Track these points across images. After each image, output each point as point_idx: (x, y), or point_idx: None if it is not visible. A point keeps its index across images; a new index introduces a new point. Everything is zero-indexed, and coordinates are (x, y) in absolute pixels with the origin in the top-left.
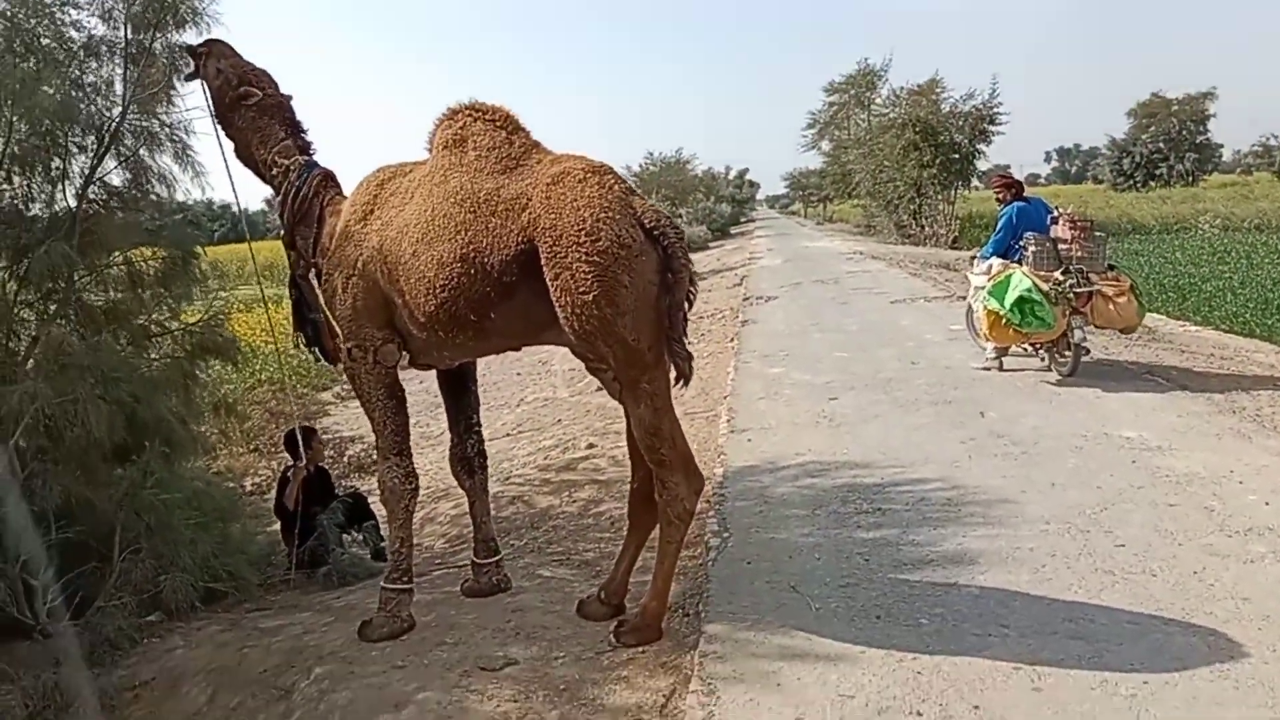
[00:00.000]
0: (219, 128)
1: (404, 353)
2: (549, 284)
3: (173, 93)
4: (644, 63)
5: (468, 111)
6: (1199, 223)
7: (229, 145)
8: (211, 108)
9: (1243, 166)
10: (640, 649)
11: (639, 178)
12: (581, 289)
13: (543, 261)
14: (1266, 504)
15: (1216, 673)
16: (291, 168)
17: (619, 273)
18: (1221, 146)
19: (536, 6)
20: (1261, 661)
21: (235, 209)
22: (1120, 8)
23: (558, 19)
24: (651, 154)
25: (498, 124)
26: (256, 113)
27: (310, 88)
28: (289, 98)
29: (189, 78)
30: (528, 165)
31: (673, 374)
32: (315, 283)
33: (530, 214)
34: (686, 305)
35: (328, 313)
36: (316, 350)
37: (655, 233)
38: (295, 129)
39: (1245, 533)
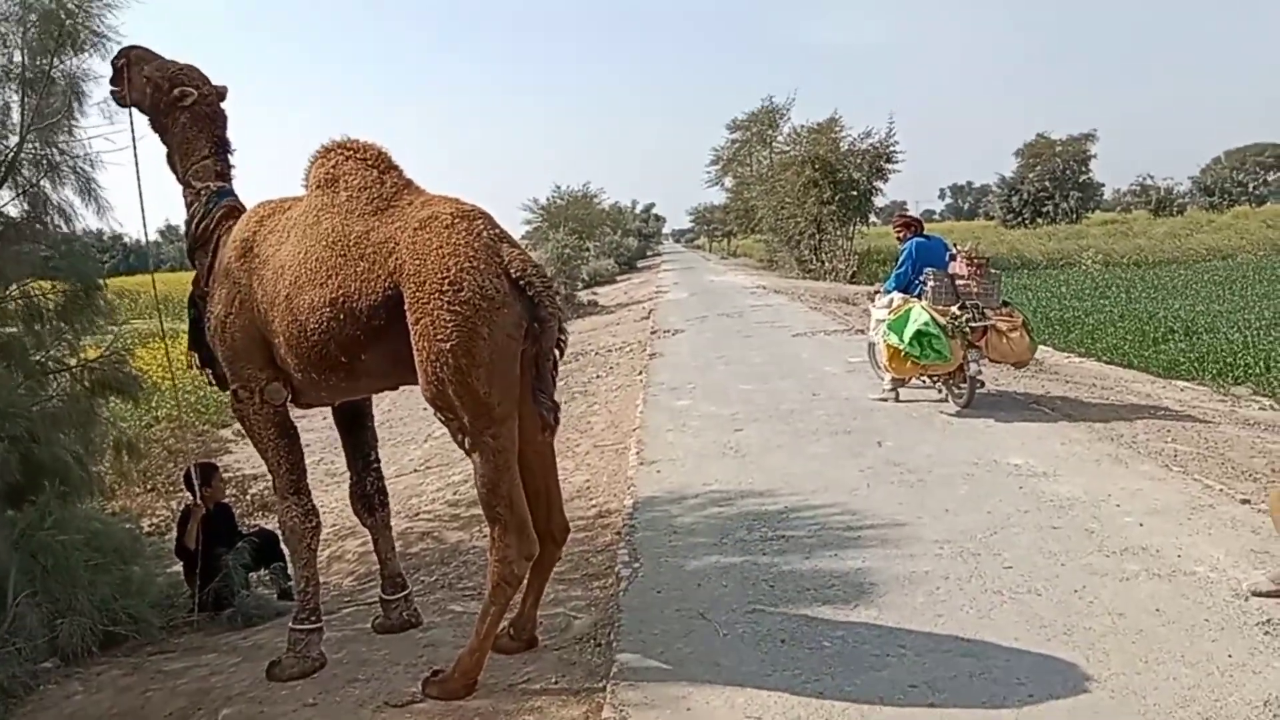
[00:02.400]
0: (138, 147)
1: (288, 392)
2: (410, 328)
3: (74, 122)
4: (548, 92)
5: (340, 150)
6: (1082, 258)
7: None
8: (134, 126)
9: (1122, 205)
10: (552, 680)
11: (546, 211)
12: (440, 336)
13: (405, 306)
14: (1141, 525)
15: (1095, 684)
16: (203, 192)
17: (478, 324)
18: (1103, 185)
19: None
20: (1134, 673)
21: (132, 238)
22: (1008, 52)
23: (449, 43)
24: (559, 187)
25: (369, 163)
26: (189, 119)
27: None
28: (223, 93)
29: (116, 98)
30: (398, 207)
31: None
32: None
33: (397, 259)
34: (556, 354)
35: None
36: (210, 374)
37: (522, 282)
38: (220, 147)
39: (1121, 552)
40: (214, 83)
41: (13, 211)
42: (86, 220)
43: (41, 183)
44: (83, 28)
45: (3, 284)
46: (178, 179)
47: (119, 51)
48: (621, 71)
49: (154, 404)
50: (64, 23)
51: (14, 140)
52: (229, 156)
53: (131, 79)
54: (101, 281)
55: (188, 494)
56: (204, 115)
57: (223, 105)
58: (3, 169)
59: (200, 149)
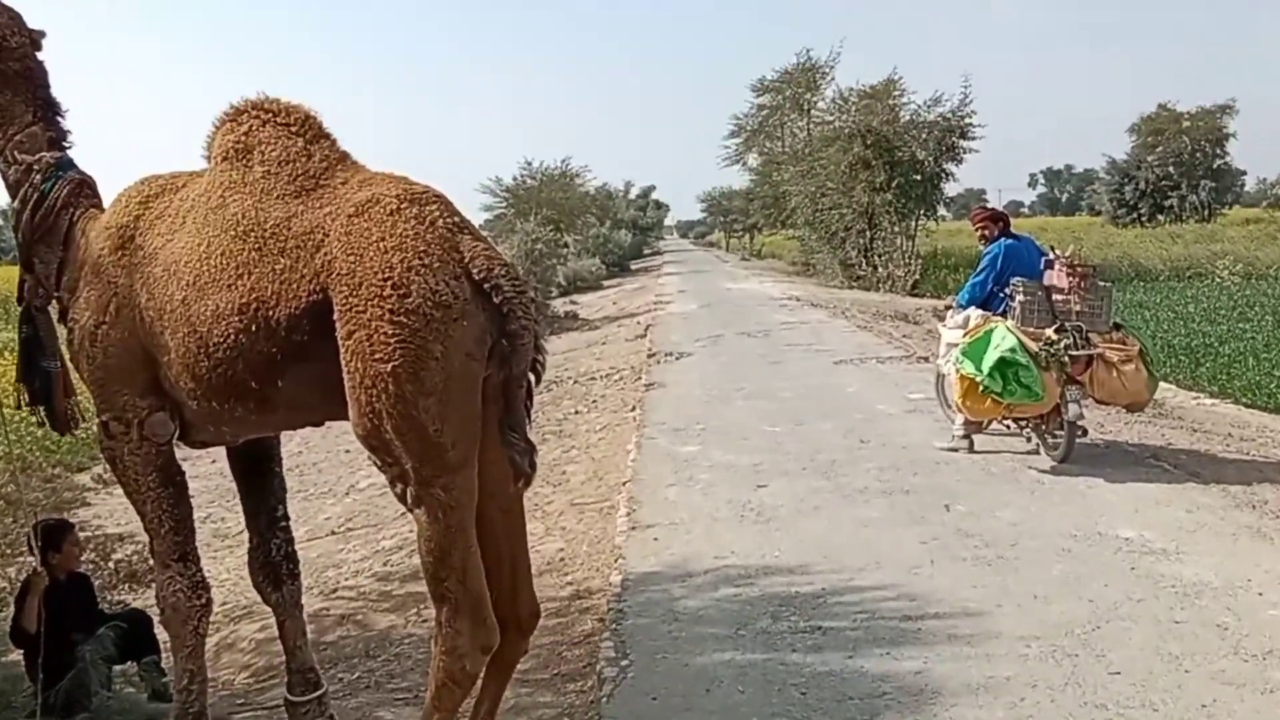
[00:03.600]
0: None
1: (175, 425)
2: (340, 343)
3: None
4: (521, 49)
5: (254, 112)
6: (1216, 268)
7: None
8: None
9: (1270, 199)
10: None
11: (512, 194)
12: (379, 355)
13: (335, 315)
14: None
15: None
16: (36, 166)
17: (429, 340)
18: (1244, 174)
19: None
20: None
21: None
22: (1122, 4)
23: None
24: (530, 163)
25: (293, 129)
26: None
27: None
28: (39, 39)
29: None
30: (329, 187)
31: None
32: (54, 318)
33: (326, 254)
34: (531, 379)
35: (72, 368)
36: (43, 411)
37: (487, 285)
38: (46, 109)
39: (1264, 656)
40: (28, 27)
41: None
42: None
43: None
44: None
45: None
46: None
47: None
48: (618, 25)
49: None
50: None
51: None
52: (60, 120)
53: None
54: None
55: (31, 559)
56: (14, 73)
57: (39, 56)
58: None
59: (19, 113)
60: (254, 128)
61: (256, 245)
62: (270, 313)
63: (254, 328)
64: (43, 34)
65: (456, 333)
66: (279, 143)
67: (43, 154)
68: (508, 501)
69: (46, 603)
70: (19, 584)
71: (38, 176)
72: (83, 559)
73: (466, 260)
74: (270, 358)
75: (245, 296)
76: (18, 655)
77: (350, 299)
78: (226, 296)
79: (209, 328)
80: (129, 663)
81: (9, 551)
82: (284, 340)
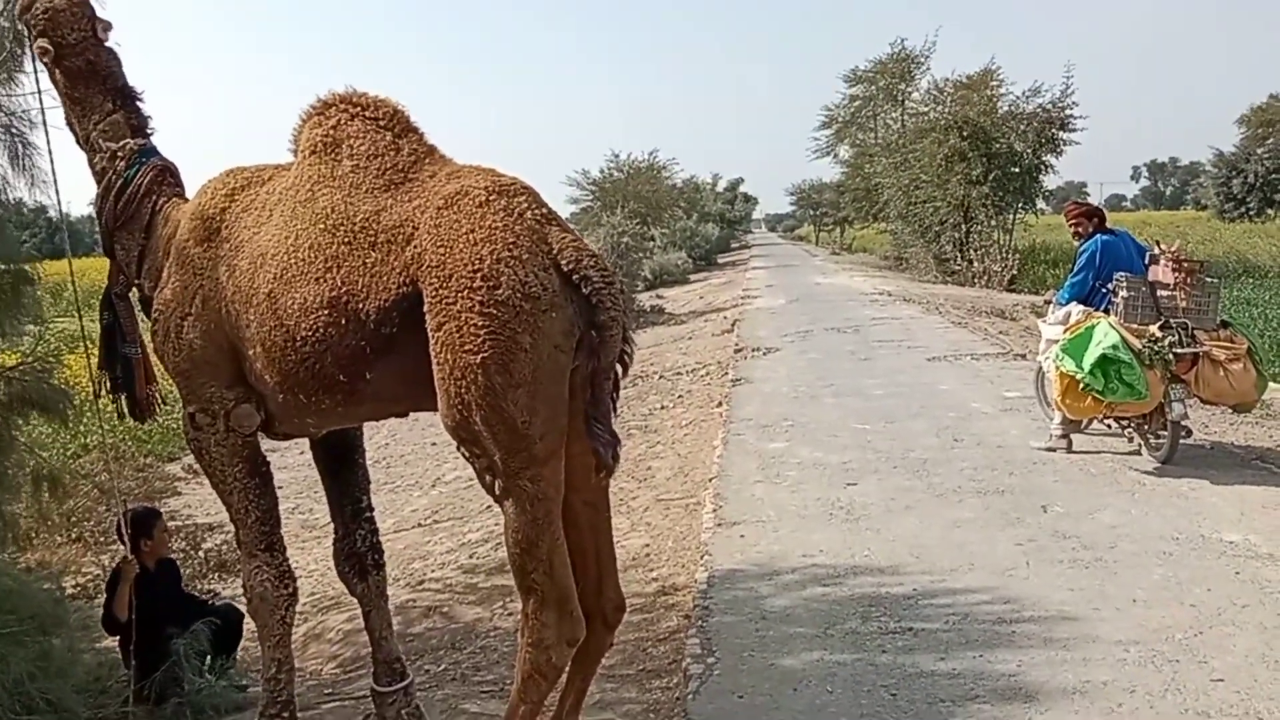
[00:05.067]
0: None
1: (261, 416)
2: (430, 335)
3: (17, 68)
4: (613, 41)
5: (343, 106)
6: None
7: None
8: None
9: None
10: None
11: (599, 187)
12: (468, 347)
13: (425, 307)
14: None
15: None
16: (120, 153)
17: (519, 332)
18: None
19: None
20: None
21: (55, 212)
22: None
23: None
24: (616, 156)
25: (381, 123)
26: (66, 73)
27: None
28: (105, 30)
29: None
30: (417, 181)
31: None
32: (136, 305)
33: (415, 247)
34: (619, 371)
35: (155, 357)
36: (123, 398)
37: (576, 276)
38: (124, 97)
39: None
40: (94, 17)
41: None
42: (19, 190)
43: None
44: None
45: None
46: (79, 143)
47: None
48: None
49: (82, 428)
50: None
51: None
52: (140, 106)
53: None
54: (36, 267)
55: (121, 547)
56: (79, 68)
57: (108, 45)
58: None
59: (99, 103)
60: (342, 121)
61: (346, 239)
62: (360, 306)
63: (343, 320)
64: (109, 25)
65: (545, 324)
66: (367, 137)
67: (126, 140)
68: (592, 494)
69: (137, 591)
70: (110, 572)
71: (121, 163)
72: (173, 548)
73: (555, 252)
74: (358, 351)
75: (335, 290)
76: (111, 641)
77: (440, 291)
78: (315, 289)
79: (296, 320)
80: (222, 657)
81: (103, 539)
82: (373, 333)
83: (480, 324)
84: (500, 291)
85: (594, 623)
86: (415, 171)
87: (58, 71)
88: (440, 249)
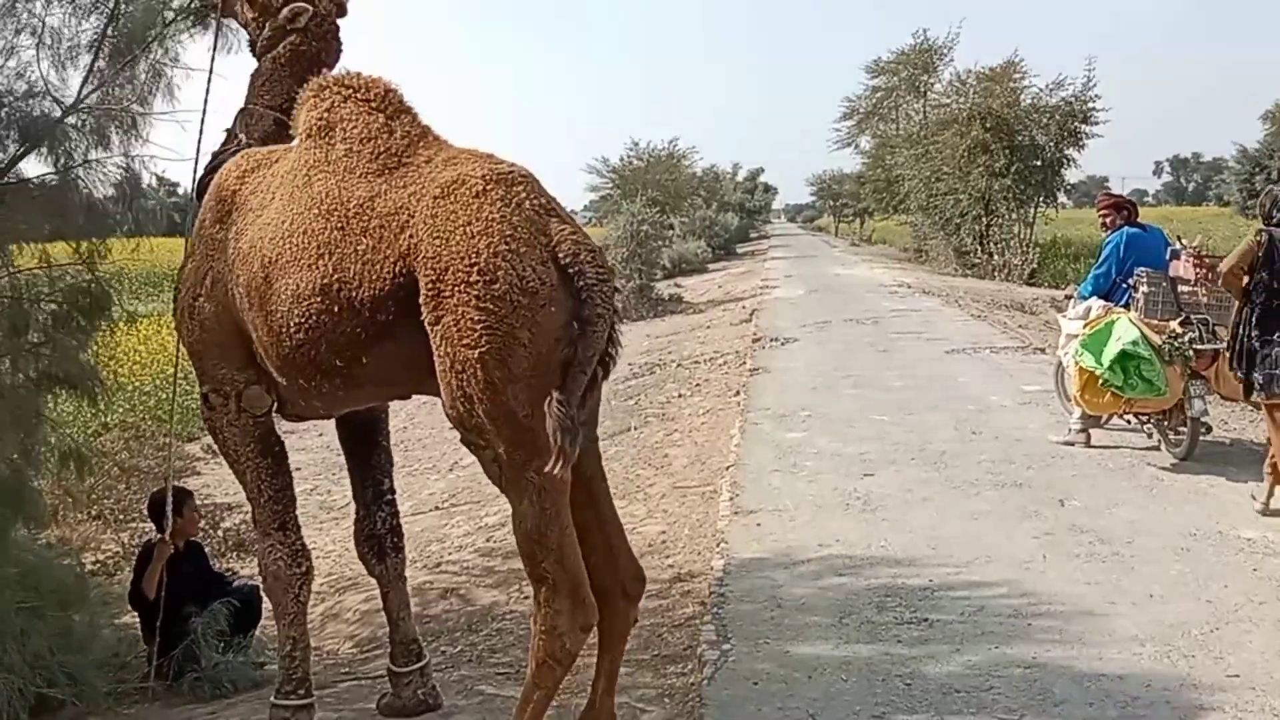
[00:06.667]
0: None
1: (272, 398)
2: (428, 327)
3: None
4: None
5: (336, 88)
6: None
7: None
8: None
9: None
10: None
11: (618, 175)
12: (466, 341)
13: (421, 299)
14: None
15: None
16: (235, 131)
17: (517, 326)
18: None
19: None
20: None
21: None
22: None
23: None
24: (636, 144)
25: (374, 105)
26: (291, 52)
27: None
28: (343, 7)
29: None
30: (412, 165)
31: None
32: None
33: (410, 236)
34: (600, 370)
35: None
36: None
37: (571, 270)
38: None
39: None
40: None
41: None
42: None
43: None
44: None
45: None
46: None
47: None
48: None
49: (101, 407)
50: None
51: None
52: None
53: None
54: (105, 243)
55: (151, 526)
56: (307, 52)
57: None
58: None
59: (283, 92)
60: (335, 104)
61: (339, 225)
62: (353, 293)
63: (336, 308)
64: (345, 3)
65: (544, 319)
66: (360, 119)
67: (250, 138)
68: (585, 468)
69: (166, 570)
70: (134, 549)
71: (226, 143)
72: (200, 527)
73: (554, 244)
74: (354, 337)
75: (328, 277)
76: (130, 617)
77: (436, 284)
78: (309, 276)
79: (290, 306)
80: (239, 637)
81: (123, 516)
82: (368, 320)
83: (477, 318)
84: (498, 286)
85: (614, 596)
86: (410, 155)
87: (285, 45)
88: (436, 240)
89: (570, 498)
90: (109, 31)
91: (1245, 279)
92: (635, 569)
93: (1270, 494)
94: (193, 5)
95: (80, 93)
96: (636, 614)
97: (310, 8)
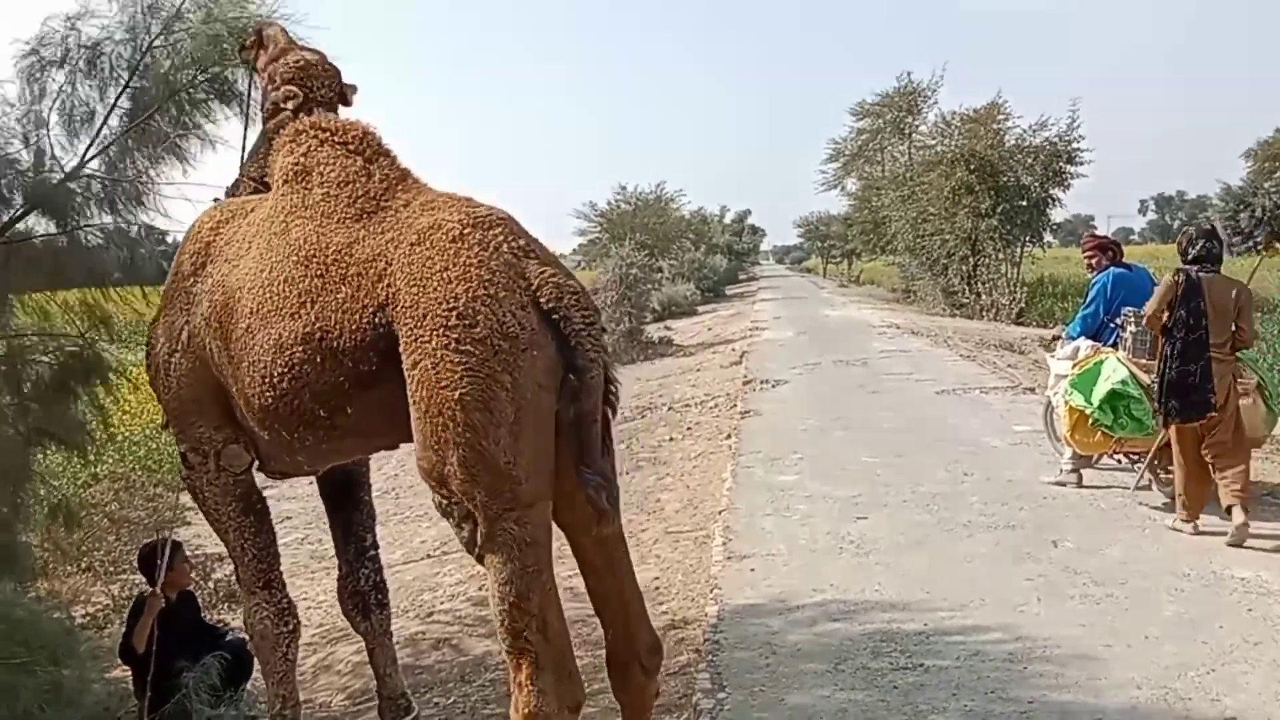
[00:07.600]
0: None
1: (251, 455)
2: (405, 373)
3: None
4: (618, 77)
5: (313, 131)
6: None
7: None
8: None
9: None
10: None
11: (606, 218)
12: (445, 383)
13: (401, 346)
14: None
15: None
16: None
17: (498, 370)
18: None
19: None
20: None
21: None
22: (1237, 21)
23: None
24: (624, 188)
25: (351, 148)
26: (280, 129)
27: None
28: (350, 94)
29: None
30: (390, 210)
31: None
32: None
33: (389, 284)
34: (608, 413)
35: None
36: None
37: (555, 315)
38: None
39: None
40: (342, 83)
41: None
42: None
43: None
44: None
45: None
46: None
47: (255, 29)
48: (708, 45)
49: (90, 459)
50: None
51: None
52: None
53: (257, 66)
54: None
55: (141, 578)
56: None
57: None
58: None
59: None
60: (312, 148)
61: (319, 272)
62: (335, 343)
63: (319, 357)
64: (355, 89)
65: (525, 363)
66: (337, 162)
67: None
68: (604, 539)
69: (156, 623)
70: (124, 602)
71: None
72: (192, 578)
73: (534, 288)
74: (337, 386)
75: (309, 326)
76: (120, 671)
77: (415, 330)
78: (290, 326)
79: (273, 357)
80: (231, 691)
81: (112, 568)
82: (350, 369)
83: (457, 360)
84: (478, 330)
85: (631, 670)
86: (388, 199)
87: (275, 120)
88: (414, 287)
89: (586, 564)
90: (117, 101)
91: (1165, 316)
92: (653, 640)
93: (1231, 516)
94: (212, 72)
95: (84, 156)
96: (658, 687)
97: (300, 94)
